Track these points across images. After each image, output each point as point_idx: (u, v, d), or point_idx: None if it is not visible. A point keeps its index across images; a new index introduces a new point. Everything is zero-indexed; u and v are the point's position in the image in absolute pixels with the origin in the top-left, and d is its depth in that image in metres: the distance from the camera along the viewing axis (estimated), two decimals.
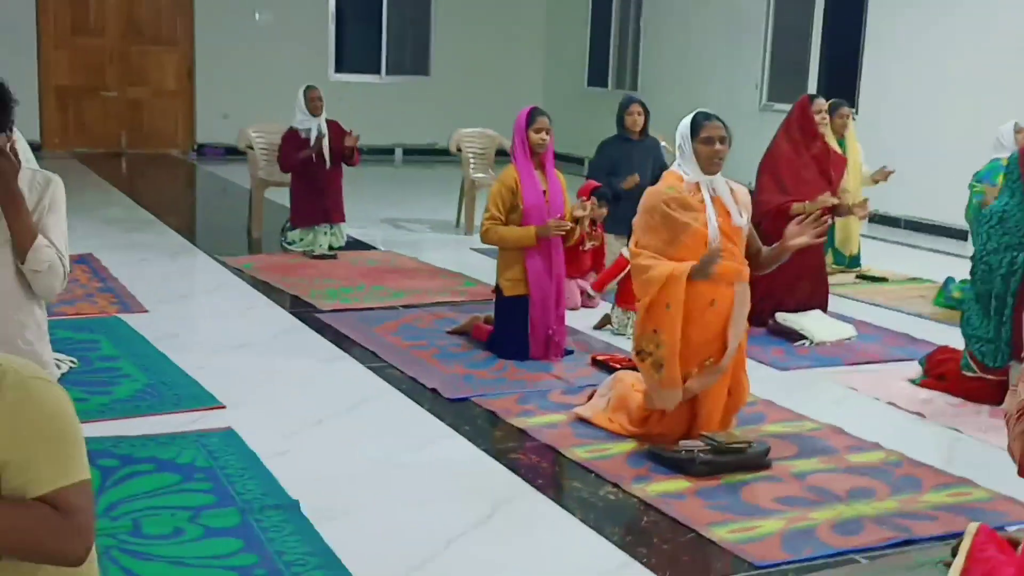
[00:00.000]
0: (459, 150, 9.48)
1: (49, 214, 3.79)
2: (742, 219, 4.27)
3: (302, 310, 6.32)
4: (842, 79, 11.06)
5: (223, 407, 4.56)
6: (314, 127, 8.02)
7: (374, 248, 8.42)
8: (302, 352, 5.54)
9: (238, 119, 13.58)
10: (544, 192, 5.39)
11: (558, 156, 9.75)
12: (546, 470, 4.06)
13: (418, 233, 9.29)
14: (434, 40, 14.99)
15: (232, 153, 13.71)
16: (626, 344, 5.78)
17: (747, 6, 12.11)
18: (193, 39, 13.93)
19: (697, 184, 4.25)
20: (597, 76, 14.64)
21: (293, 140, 8.09)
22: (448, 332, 5.89)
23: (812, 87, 11.29)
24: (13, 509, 1.78)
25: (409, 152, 14.97)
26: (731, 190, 4.30)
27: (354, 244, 8.41)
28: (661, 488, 3.86)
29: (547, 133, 5.38)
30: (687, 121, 4.28)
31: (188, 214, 10.73)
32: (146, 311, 6.12)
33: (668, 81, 12.99)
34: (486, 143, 9.64)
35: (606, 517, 3.64)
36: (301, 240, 8.12)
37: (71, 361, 5.01)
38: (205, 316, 6.50)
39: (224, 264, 7.54)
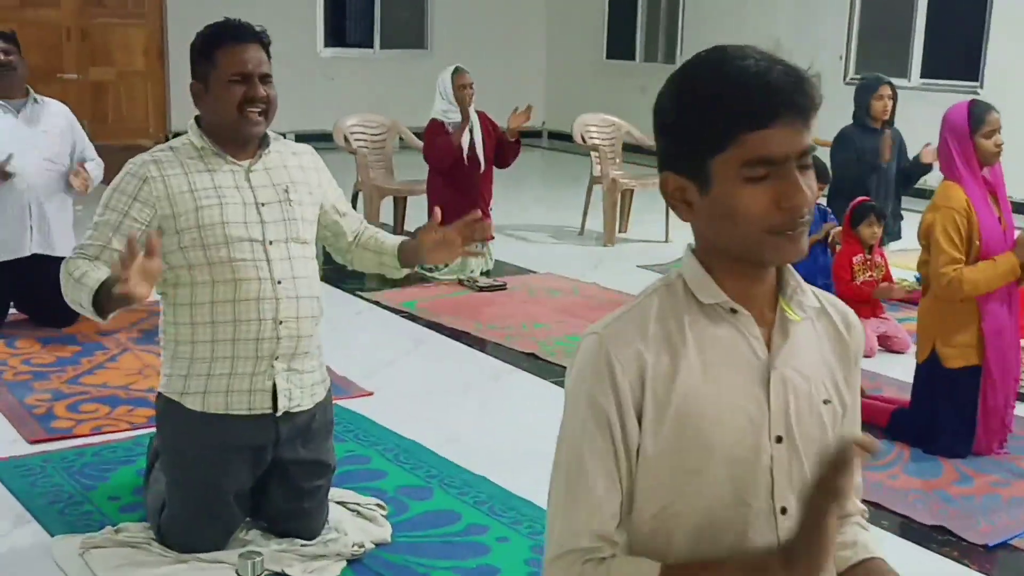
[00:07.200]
0: (583, 140, 7.77)
1: None
2: None
3: (558, 378, 4.58)
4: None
5: None
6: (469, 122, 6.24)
7: (529, 270, 6.68)
8: None
9: None
10: (999, 219, 3.84)
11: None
12: None
13: (540, 244, 7.59)
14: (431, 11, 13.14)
15: None
16: None
17: None
18: (163, 11, 11.76)
19: None
20: (620, 46, 12.99)
21: (441, 133, 6.25)
22: None
23: (917, 59, 9.97)
24: None
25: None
26: None
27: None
28: None
29: (999, 133, 3.82)
30: None
31: None
32: (370, 393, 4.37)
33: None
34: (614, 133, 7.97)
35: None
36: (446, 265, 6.22)
37: (377, 505, 3.32)
38: (442, 393, 4.55)
39: (370, 301, 5.80)
